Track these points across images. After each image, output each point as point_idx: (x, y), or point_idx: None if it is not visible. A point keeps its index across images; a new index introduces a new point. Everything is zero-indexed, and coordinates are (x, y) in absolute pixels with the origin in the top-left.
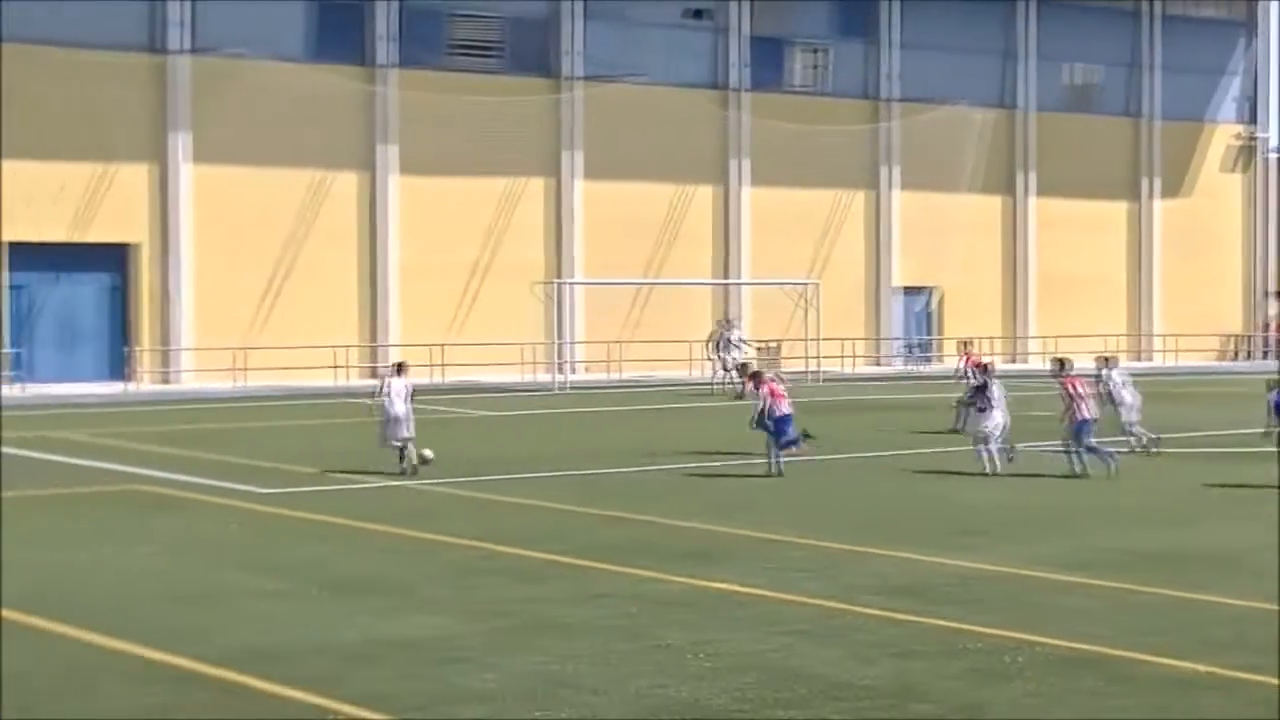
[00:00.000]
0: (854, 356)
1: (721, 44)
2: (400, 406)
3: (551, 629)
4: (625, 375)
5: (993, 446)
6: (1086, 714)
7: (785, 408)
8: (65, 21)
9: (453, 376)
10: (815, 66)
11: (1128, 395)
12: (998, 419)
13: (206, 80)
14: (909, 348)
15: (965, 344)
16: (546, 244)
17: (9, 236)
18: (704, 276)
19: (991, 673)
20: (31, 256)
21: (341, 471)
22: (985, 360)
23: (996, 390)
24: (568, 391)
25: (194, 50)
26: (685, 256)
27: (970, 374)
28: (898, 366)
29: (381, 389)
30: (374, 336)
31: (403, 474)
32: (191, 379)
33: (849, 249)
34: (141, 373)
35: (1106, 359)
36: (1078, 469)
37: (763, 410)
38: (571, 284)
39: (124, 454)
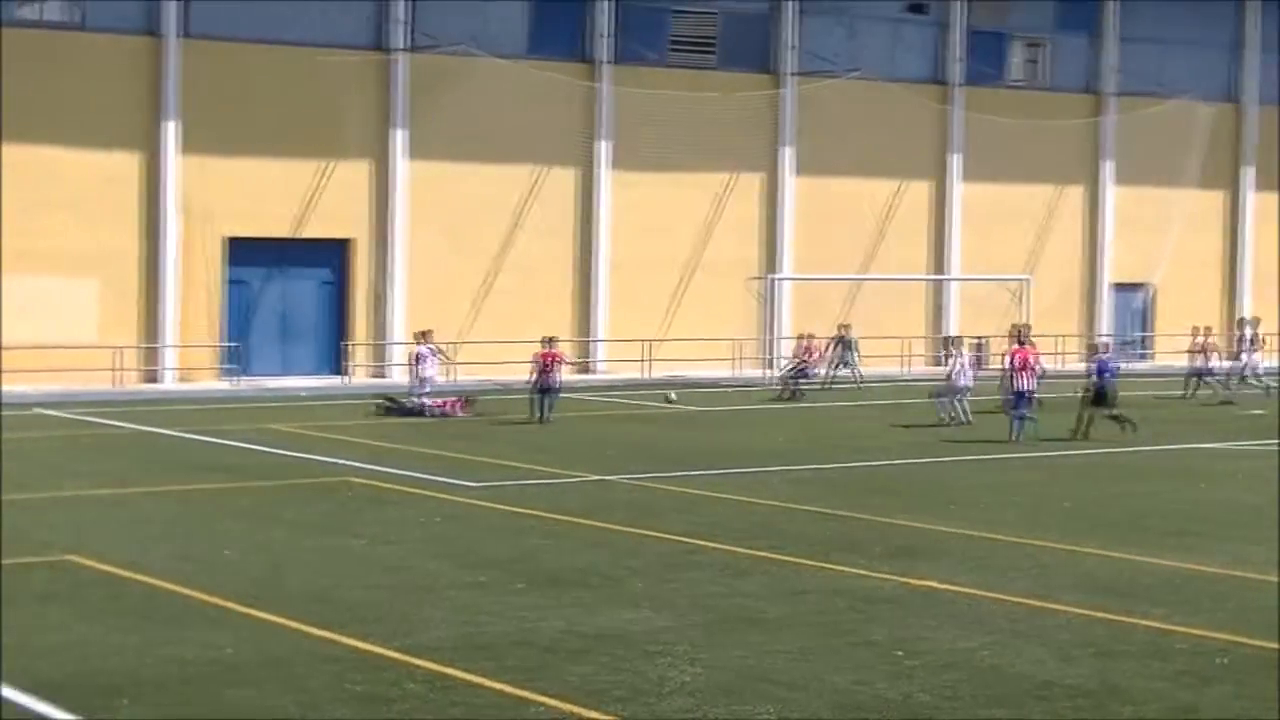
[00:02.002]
0: (1063, 353)
1: (940, 39)
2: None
3: (755, 624)
4: (835, 373)
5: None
6: None
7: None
8: (293, 22)
9: (661, 372)
10: (1034, 61)
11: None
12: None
13: (427, 77)
14: (1125, 344)
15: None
16: (760, 240)
17: (230, 232)
18: (918, 272)
19: (1199, 674)
20: (252, 251)
21: (550, 466)
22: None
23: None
24: (776, 387)
25: (415, 48)
26: (899, 252)
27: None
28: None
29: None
30: (586, 332)
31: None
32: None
33: (1064, 244)
34: (352, 367)
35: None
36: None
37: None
38: (785, 280)
39: (338, 446)
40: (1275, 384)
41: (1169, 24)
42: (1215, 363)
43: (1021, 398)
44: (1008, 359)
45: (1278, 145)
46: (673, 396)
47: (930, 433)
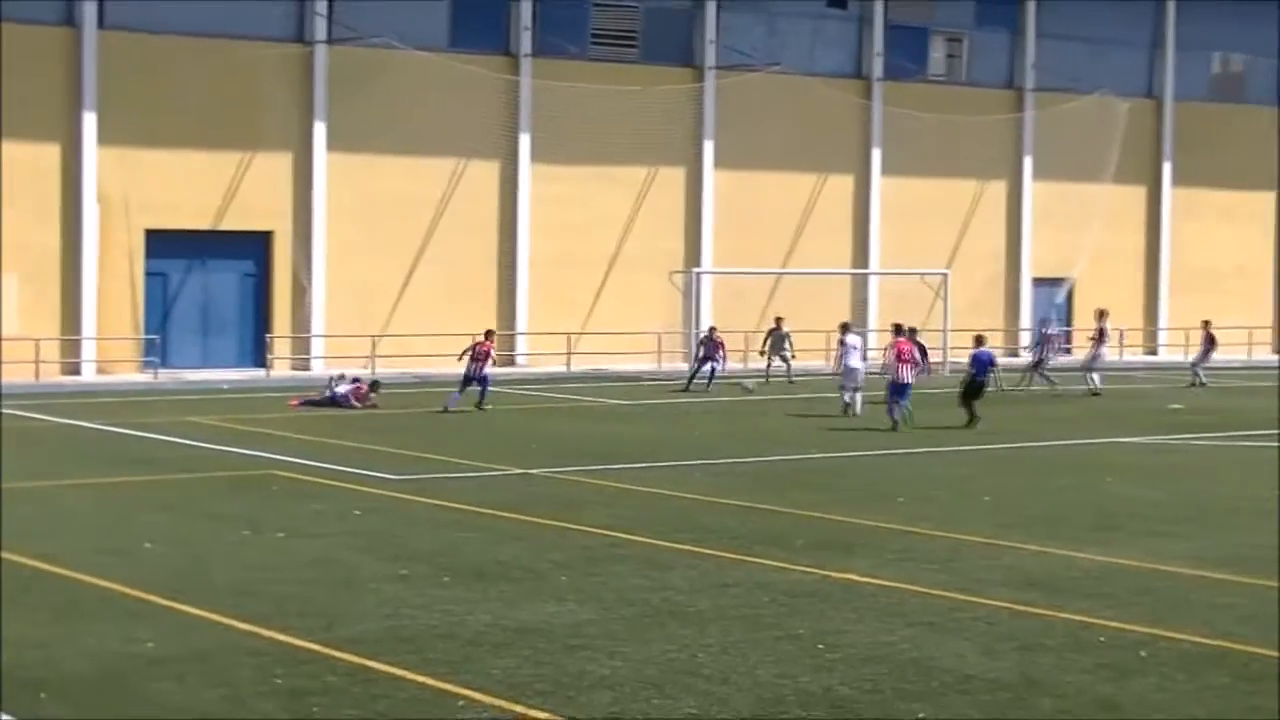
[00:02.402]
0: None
1: (861, 33)
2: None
3: (678, 618)
4: (753, 365)
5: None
6: (1217, 711)
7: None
8: (213, 13)
9: (583, 365)
10: (954, 56)
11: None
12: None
13: (347, 70)
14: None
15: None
16: (682, 233)
17: (150, 225)
18: (840, 266)
19: (1120, 667)
20: (171, 244)
21: (473, 459)
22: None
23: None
24: (697, 380)
25: (335, 40)
26: (821, 246)
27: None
28: (1026, 358)
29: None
30: (508, 325)
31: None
32: (324, 366)
33: (985, 239)
34: (273, 359)
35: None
36: (895, 419)
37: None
38: (709, 274)
39: (259, 439)
40: (1099, 382)
41: (1088, 20)
42: (1053, 356)
43: (904, 388)
44: (890, 351)
45: (1197, 141)
46: (749, 386)
47: (849, 425)
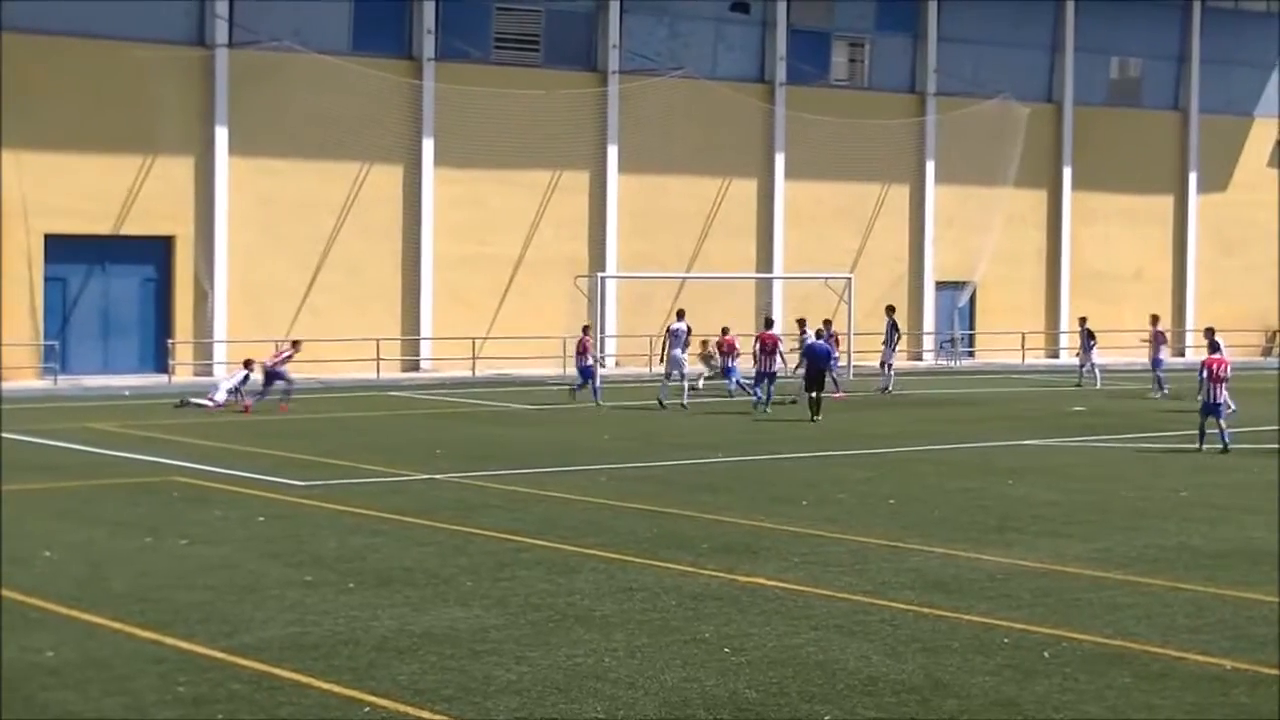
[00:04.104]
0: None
1: (763, 38)
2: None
3: (584, 622)
4: (658, 370)
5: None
6: (1118, 710)
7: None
8: (112, 16)
9: (488, 370)
10: (856, 60)
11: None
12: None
13: (249, 73)
14: (950, 342)
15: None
16: (586, 237)
17: (49, 229)
18: (745, 270)
19: (1022, 668)
20: (71, 248)
21: (378, 465)
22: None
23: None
24: (602, 385)
25: (236, 43)
26: (725, 250)
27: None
28: (929, 361)
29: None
30: (412, 330)
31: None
32: (225, 371)
33: (888, 243)
34: (175, 365)
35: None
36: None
37: None
38: (613, 278)
39: (161, 446)
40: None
41: (989, 25)
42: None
43: (771, 378)
44: (755, 342)
45: (1096, 145)
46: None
47: (756, 429)
